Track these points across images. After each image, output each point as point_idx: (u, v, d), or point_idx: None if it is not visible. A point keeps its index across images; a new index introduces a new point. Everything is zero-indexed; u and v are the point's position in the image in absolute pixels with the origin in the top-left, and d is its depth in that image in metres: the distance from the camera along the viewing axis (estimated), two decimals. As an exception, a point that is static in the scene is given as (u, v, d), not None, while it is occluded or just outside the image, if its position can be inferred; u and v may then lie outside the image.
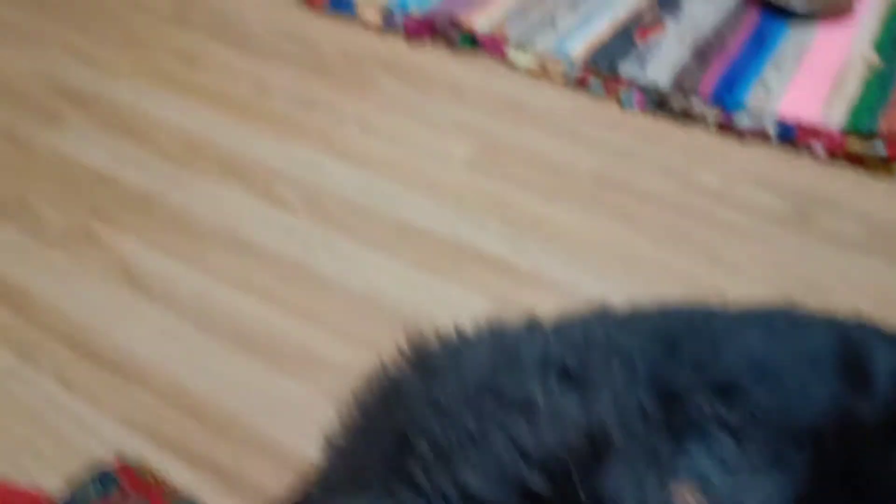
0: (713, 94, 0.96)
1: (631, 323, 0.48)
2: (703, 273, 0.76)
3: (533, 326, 0.45)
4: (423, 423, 0.35)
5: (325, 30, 1.15)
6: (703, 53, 1.04)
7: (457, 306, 0.73)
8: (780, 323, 0.49)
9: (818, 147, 0.90)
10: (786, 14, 1.11)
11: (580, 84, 1.02)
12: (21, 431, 0.63)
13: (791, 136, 0.92)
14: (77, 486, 0.55)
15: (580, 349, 0.41)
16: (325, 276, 0.76)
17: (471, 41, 1.09)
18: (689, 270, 0.77)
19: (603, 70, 1.02)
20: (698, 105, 0.96)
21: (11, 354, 0.69)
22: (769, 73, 1.00)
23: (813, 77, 1.00)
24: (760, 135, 0.93)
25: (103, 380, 0.66)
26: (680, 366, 0.43)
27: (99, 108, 0.99)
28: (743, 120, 0.94)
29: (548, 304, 0.73)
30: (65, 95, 1.01)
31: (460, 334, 0.45)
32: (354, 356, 0.69)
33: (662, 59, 1.03)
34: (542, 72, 1.05)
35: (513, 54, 1.07)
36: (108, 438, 0.62)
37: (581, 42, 1.07)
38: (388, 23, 1.14)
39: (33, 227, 0.82)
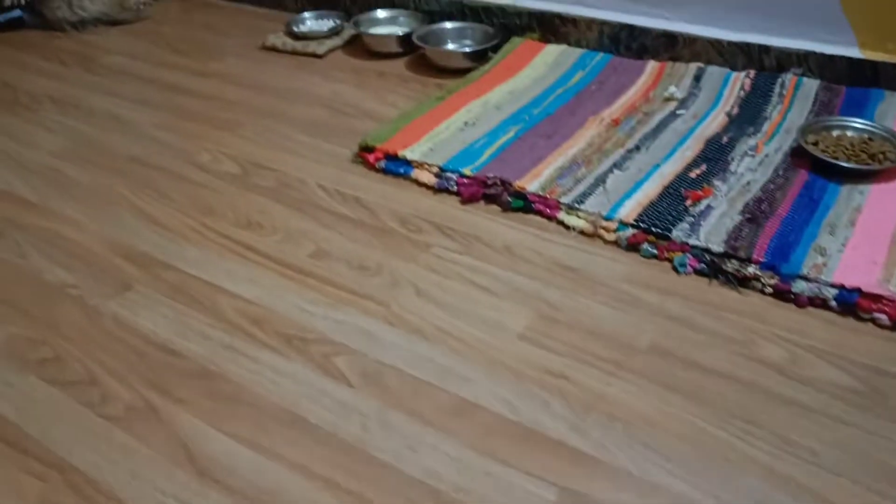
0: (768, 260, 0.96)
1: None
2: (773, 459, 0.74)
3: None
4: None
5: (382, 191, 1.19)
6: (754, 216, 1.04)
7: (520, 495, 0.72)
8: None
9: (881, 316, 0.89)
10: (835, 171, 1.12)
11: (633, 247, 1.03)
12: None
13: (851, 304, 0.91)
14: None
15: None
16: (381, 457, 0.76)
17: (522, 203, 1.12)
18: (759, 455, 0.74)
19: (655, 234, 1.03)
20: (753, 271, 0.95)
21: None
22: (823, 236, 1.00)
23: (869, 240, 0.99)
24: (820, 302, 0.92)
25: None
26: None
27: (166, 274, 1.02)
28: (800, 287, 0.93)
29: (613, 493, 0.71)
30: (133, 261, 1.05)
31: None
32: (413, 551, 0.67)
33: (714, 223, 1.03)
34: (594, 233, 1.06)
35: (564, 216, 1.09)
36: None
37: (631, 202, 1.09)
38: (442, 184, 1.18)
39: (98, 403, 0.83)
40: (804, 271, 0.94)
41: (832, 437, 0.76)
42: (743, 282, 0.96)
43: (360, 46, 1.73)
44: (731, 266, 0.97)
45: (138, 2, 2.00)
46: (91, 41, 1.85)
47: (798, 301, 0.93)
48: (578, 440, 0.76)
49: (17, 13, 1.96)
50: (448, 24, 1.66)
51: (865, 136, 1.19)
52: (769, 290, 0.94)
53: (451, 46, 1.64)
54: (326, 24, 1.79)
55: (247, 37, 1.83)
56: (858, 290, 0.91)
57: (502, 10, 1.63)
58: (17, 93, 1.58)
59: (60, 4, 1.89)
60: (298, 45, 1.72)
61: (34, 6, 1.90)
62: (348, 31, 1.75)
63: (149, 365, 0.88)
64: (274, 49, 1.74)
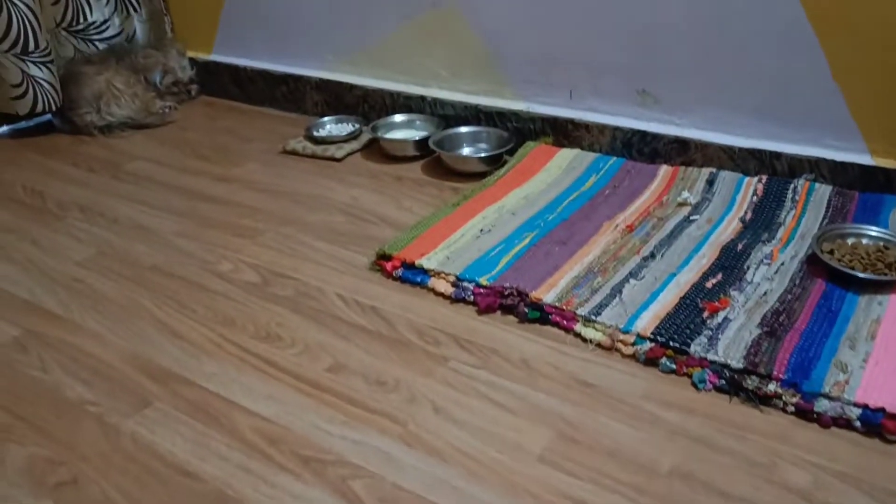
0: (788, 377, 0.95)
1: None
2: None
3: None
4: None
5: (399, 300, 1.20)
6: (773, 329, 1.04)
7: None
8: None
9: (908, 438, 0.87)
10: (852, 281, 1.12)
11: (651, 361, 1.03)
12: None
13: (876, 424, 0.89)
14: None
15: None
16: None
17: (539, 314, 1.12)
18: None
19: (673, 348, 1.02)
20: (774, 388, 0.95)
21: None
22: (844, 350, 0.99)
23: (890, 354, 0.98)
24: (844, 422, 0.91)
25: None
26: None
27: (185, 390, 1.03)
28: (823, 406, 0.92)
29: None
30: (152, 377, 1.06)
31: None
32: None
33: (732, 336, 1.03)
34: (611, 346, 1.06)
35: (581, 328, 1.09)
36: None
37: (648, 314, 1.09)
38: (458, 294, 1.19)
39: (113, 530, 0.82)
40: (826, 389, 0.93)
41: (864, 572, 0.74)
42: (764, 399, 0.95)
43: (377, 150, 1.77)
44: (751, 383, 0.96)
45: (163, 106, 2.07)
46: (118, 146, 1.91)
47: (821, 421, 0.92)
48: (601, 575, 0.75)
49: (46, 117, 2.03)
50: (463, 129, 1.70)
51: (881, 244, 1.19)
52: (791, 408, 0.93)
53: (466, 151, 1.68)
54: (345, 129, 1.84)
55: (268, 141, 1.88)
56: (883, 411, 0.89)
57: (516, 115, 1.68)
58: (46, 200, 1.63)
59: (89, 110, 1.96)
60: (318, 150, 1.76)
61: (63, 112, 1.97)
62: (366, 136, 1.80)
63: (166, 488, 0.87)
64: (294, 153, 1.79)
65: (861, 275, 1.11)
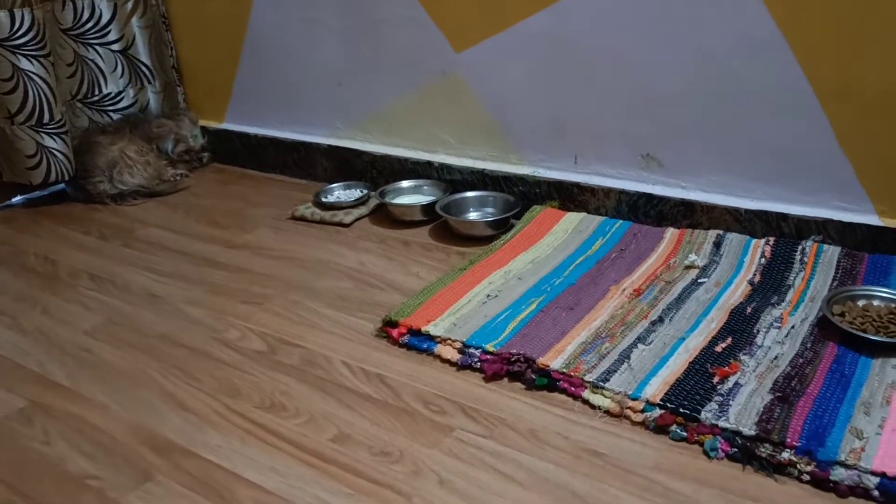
0: (803, 444, 0.93)
1: None
2: None
3: None
4: None
5: (405, 368, 1.19)
6: (785, 394, 1.02)
7: None
8: None
9: (928, 508, 0.84)
10: (865, 344, 1.10)
11: (661, 428, 1.01)
12: None
13: (895, 493, 0.86)
14: None
15: None
16: None
17: (547, 381, 1.11)
18: None
19: (683, 415, 1.00)
20: (788, 457, 0.92)
21: None
22: (859, 416, 0.97)
23: (907, 421, 0.96)
24: (861, 492, 0.88)
25: None
26: None
27: (187, 462, 1.01)
28: (839, 474, 0.89)
29: None
30: (156, 449, 1.04)
31: None
32: None
33: (744, 402, 1.01)
34: (620, 413, 1.04)
35: (589, 395, 1.07)
36: None
37: (657, 379, 1.07)
38: (465, 361, 1.17)
39: None
40: (842, 457, 0.91)
41: None
42: (778, 468, 0.93)
43: (385, 215, 1.78)
44: (764, 451, 0.94)
45: (175, 174, 2.10)
46: (130, 213, 1.94)
47: (838, 490, 0.89)
48: None
49: (60, 186, 2.07)
50: (470, 194, 1.72)
51: (893, 305, 1.18)
52: (806, 477, 0.91)
53: (473, 215, 1.69)
54: (353, 194, 1.86)
55: (278, 206, 1.90)
56: (901, 479, 0.87)
57: (523, 179, 1.69)
58: (58, 268, 1.64)
59: (102, 179, 2.00)
60: (326, 215, 1.78)
61: (76, 180, 2.00)
62: (374, 201, 1.82)
63: (165, 567, 0.85)
64: (303, 219, 1.80)
65: (874, 338, 1.10)
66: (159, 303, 1.46)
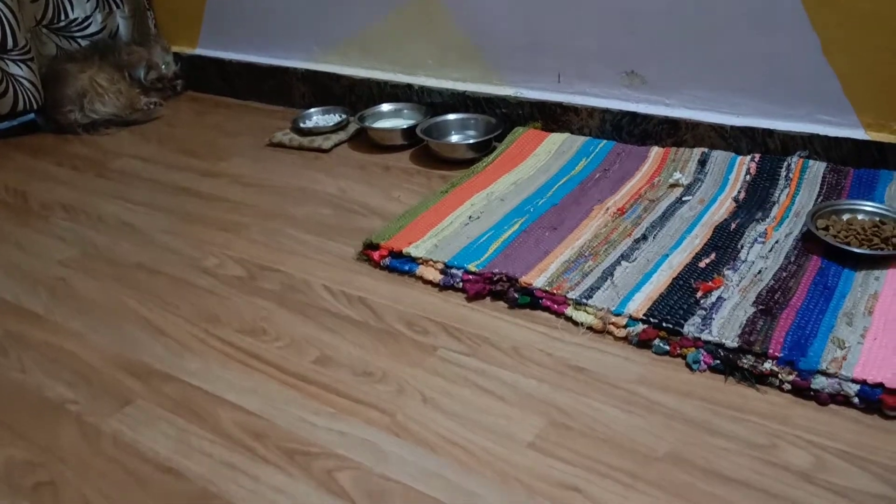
0: (785, 354, 0.93)
1: None
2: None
3: None
4: None
5: (387, 290, 1.17)
6: (768, 307, 1.01)
7: None
8: None
9: (908, 414, 0.85)
10: (848, 257, 1.10)
11: (644, 343, 1.00)
12: None
13: (875, 400, 0.87)
14: None
15: None
16: (387, 588, 0.72)
17: (529, 299, 1.10)
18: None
19: (666, 329, 1.00)
20: (770, 367, 0.92)
21: None
22: (841, 327, 0.97)
23: (888, 329, 0.96)
24: (842, 399, 0.88)
25: None
26: None
27: (166, 386, 1.00)
28: (820, 383, 0.89)
29: None
30: (135, 374, 1.03)
31: None
32: None
33: (727, 315, 1.01)
34: (603, 329, 1.04)
35: (572, 312, 1.07)
36: None
37: (640, 295, 1.06)
38: (447, 282, 1.16)
39: (93, 532, 0.80)
40: (823, 366, 0.91)
41: (866, 553, 0.71)
42: (760, 378, 0.93)
43: (365, 140, 1.74)
44: (746, 362, 0.94)
45: (148, 102, 2.04)
46: (102, 144, 1.89)
47: (819, 398, 0.89)
48: (594, 563, 0.72)
49: (30, 117, 2.00)
50: (451, 116, 1.68)
51: (877, 219, 1.17)
52: (788, 386, 0.91)
53: (454, 138, 1.65)
54: (332, 119, 1.82)
55: (255, 134, 1.85)
56: (882, 386, 0.87)
57: (504, 100, 1.65)
58: (29, 201, 1.60)
59: (73, 108, 1.94)
60: (305, 141, 1.74)
61: (47, 110, 1.94)
62: (354, 126, 1.78)
63: (146, 489, 0.85)
64: (281, 145, 1.76)
65: (857, 250, 1.09)
66: (135, 232, 1.43)
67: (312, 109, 1.86)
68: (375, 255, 1.24)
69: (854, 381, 0.89)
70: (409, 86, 1.77)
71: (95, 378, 1.03)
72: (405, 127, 1.68)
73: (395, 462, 0.86)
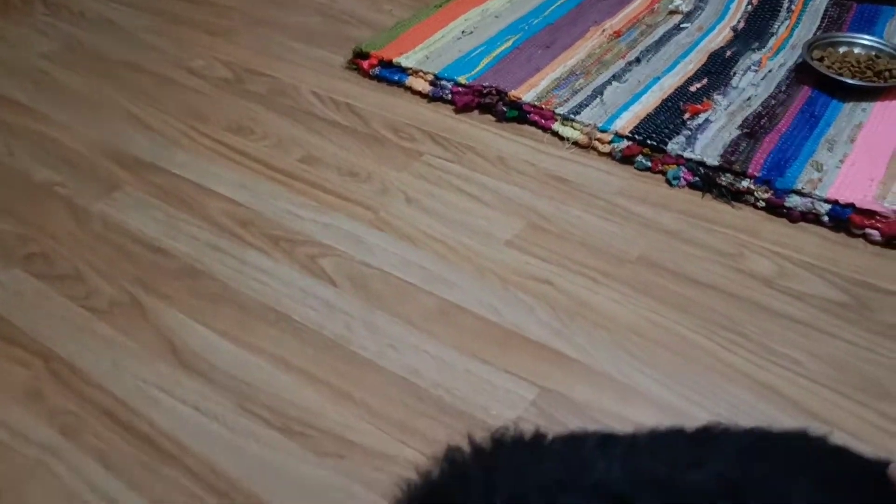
0: (763, 174, 0.94)
1: (700, 459, 0.45)
2: (757, 369, 0.74)
3: (604, 441, 0.43)
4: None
5: (375, 99, 1.16)
6: (753, 131, 1.02)
7: (499, 394, 0.72)
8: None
9: (873, 232, 0.88)
10: (839, 88, 1.10)
11: (627, 159, 1.02)
12: (59, 509, 0.64)
13: (844, 219, 0.90)
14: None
15: (643, 482, 0.40)
16: (363, 355, 0.76)
17: (517, 113, 1.10)
18: (743, 365, 0.74)
19: (650, 146, 1.01)
20: (748, 185, 0.94)
21: (56, 431, 0.70)
22: (822, 152, 0.98)
23: (868, 157, 0.97)
24: (812, 217, 0.91)
25: (141, 460, 0.67)
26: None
27: (154, 176, 1.01)
28: (794, 201, 0.92)
29: (594, 395, 0.72)
30: (122, 164, 1.04)
31: (534, 436, 0.44)
32: (390, 442, 0.68)
33: (711, 137, 1.01)
34: (588, 144, 1.05)
35: (559, 127, 1.07)
36: (142, 522, 0.62)
37: (628, 114, 1.06)
38: (436, 93, 1.15)
39: (83, 297, 0.83)
40: (799, 186, 0.93)
41: (817, 349, 0.76)
42: (736, 195, 0.95)
43: (359, -46, 1.67)
44: (725, 179, 0.96)
45: None
46: (83, -56, 1.79)
47: (791, 216, 0.92)
48: (561, 344, 0.77)
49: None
50: (450, -68, 1.60)
51: (873, 53, 1.15)
52: (762, 204, 0.93)
53: (452, -45, 1.58)
54: (325, -70, 1.72)
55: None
56: (852, 206, 0.90)
57: (507, -83, 1.57)
58: (8, -6, 1.54)
59: None
60: (296, -48, 1.66)
61: None
62: (348, -62, 1.69)
63: (135, 263, 0.88)
64: (271, -45, 1.68)
65: (849, 81, 1.09)
66: (118, 31, 1.39)
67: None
68: (365, 63, 1.22)
69: (827, 200, 0.91)
70: None
71: (83, 164, 1.04)
72: (401, -60, 1.60)
73: (377, 252, 0.89)
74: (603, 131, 1.04)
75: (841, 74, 1.10)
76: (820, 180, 0.93)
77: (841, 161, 0.97)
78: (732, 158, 0.97)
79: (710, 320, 0.79)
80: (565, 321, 0.79)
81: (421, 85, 1.17)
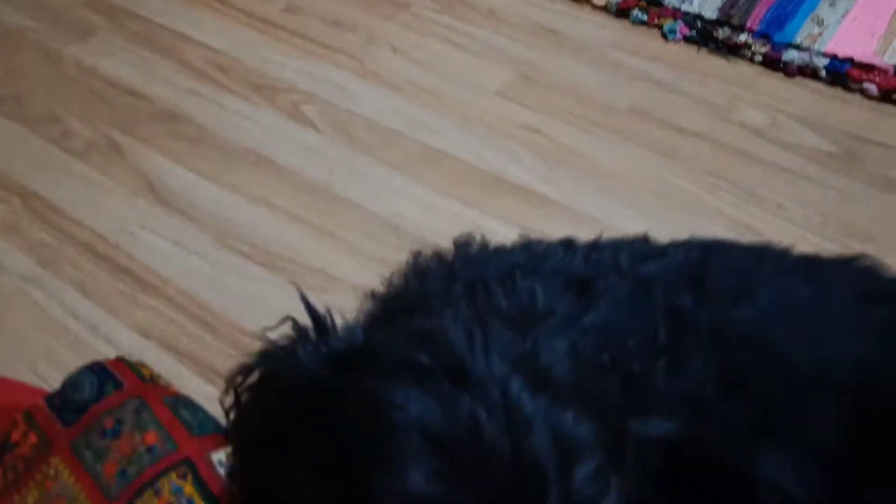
0: (762, 28, 0.91)
1: (664, 253, 0.45)
2: (740, 212, 0.73)
3: (567, 245, 0.43)
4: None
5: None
6: (754, -16, 0.98)
7: (481, 233, 0.72)
8: (823, 273, 0.46)
9: (871, 86, 0.86)
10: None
11: (623, 12, 0.98)
12: (40, 337, 0.64)
13: (842, 73, 0.87)
14: (72, 381, 0.53)
15: (603, 269, 0.40)
16: (345, 197, 0.75)
17: (510, -35, 1.05)
18: (726, 208, 0.74)
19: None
20: (745, 39, 0.91)
21: (34, 262, 0.69)
22: (823, 7, 0.95)
23: (870, 12, 0.94)
24: (809, 72, 0.89)
25: (120, 289, 0.66)
26: (701, 304, 0.41)
27: (130, 22, 0.97)
28: (791, 55, 0.89)
29: (578, 235, 0.71)
30: (97, 9, 1.00)
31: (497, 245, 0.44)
32: (372, 277, 0.68)
33: (710, -10, 0.97)
34: (582, -1, 1.01)
35: (553, -20, 1.03)
36: (123, 346, 0.62)
37: (625, -32, 1.02)
38: (426, -55, 1.10)
39: (59, 139, 0.81)
40: (798, 40, 0.90)
41: (803, 196, 0.75)
42: (733, 50, 0.92)
43: None
44: (722, 33, 0.93)
45: None
46: None
47: (787, 70, 0.89)
48: (546, 188, 0.76)
49: None
50: None
51: None
52: (759, 58, 0.91)
53: None
54: None
55: None
56: (851, 60, 0.87)
57: None
58: None
59: None
60: None
61: None
62: None
63: (111, 106, 0.85)
64: None
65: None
66: None
67: None
68: (351, -87, 1.15)
69: (825, 54, 0.88)
70: None
71: (56, 9, 1.00)
72: None
73: (361, 99, 0.86)
74: (598, -16, 1.00)
75: (849, -71, 1.05)
76: (820, 35, 0.91)
77: (842, 16, 0.93)
78: (731, 12, 0.94)
79: (695, 167, 0.78)
80: (552, 166, 0.78)
81: (410, -65, 1.11)
